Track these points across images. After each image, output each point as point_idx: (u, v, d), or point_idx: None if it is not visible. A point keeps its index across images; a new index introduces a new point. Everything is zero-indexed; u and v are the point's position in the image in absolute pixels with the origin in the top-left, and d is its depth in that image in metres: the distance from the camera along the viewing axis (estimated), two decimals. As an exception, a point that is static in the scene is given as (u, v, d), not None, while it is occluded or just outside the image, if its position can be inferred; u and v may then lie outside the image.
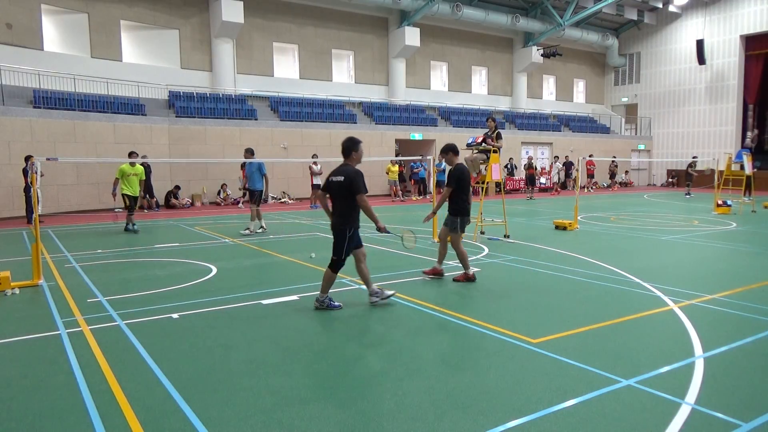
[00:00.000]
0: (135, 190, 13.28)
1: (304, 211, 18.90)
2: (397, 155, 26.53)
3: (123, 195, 13.27)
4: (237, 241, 11.79)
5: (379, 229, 6.38)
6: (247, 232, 12.84)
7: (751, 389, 4.03)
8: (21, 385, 4.24)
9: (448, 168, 7.87)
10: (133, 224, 13.42)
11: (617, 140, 36.52)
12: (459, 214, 7.63)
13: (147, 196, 19.79)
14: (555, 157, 31.43)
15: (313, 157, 20.05)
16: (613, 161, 31.16)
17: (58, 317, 6.05)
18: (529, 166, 26.27)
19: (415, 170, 25.03)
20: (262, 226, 13.10)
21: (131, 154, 13.40)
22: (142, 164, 18.73)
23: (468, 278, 7.64)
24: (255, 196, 12.93)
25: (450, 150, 7.85)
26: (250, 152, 12.80)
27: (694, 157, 28.19)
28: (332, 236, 6.32)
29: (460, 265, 7.75)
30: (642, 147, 37.35)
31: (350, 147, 6.34)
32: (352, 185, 6.12)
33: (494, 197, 22.33)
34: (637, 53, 38.13)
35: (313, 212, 18.47)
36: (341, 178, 6.21)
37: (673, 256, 9.82)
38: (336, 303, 6.35)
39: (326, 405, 3.82)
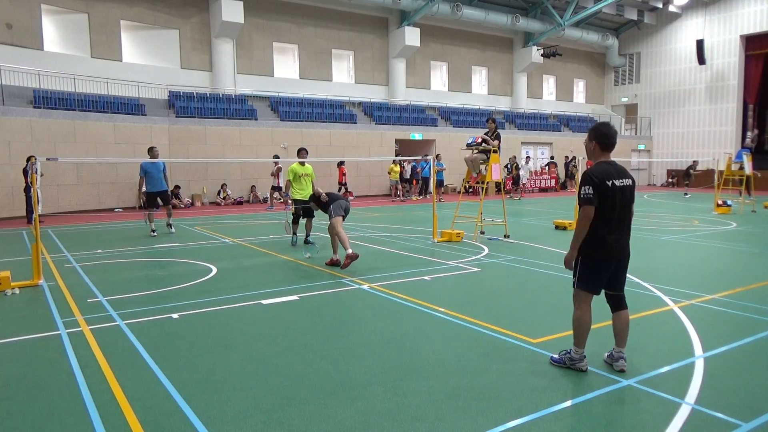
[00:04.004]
0: (307, 193, 10.79)
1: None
2: (397, 155, 26.51)
3: (293, 200, 11.08)
4: (237, 241, 11.79)
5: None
6: (172, 230, 13.00)
7: (751, 389, 4.03)
8: (21, 385, 4.24)
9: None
10: (307, 237, 11.32)
11: (617, 140, 36.45)
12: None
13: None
14: (513, 156, 30.58)
15: (274, 158, 19.53)
16: (572, 159, 28.23)
17: (58, 317, 6.05)
18: (515, 167, 26.16)
19: (418, 170, 25.05)
20: (153, 230, 12.65)
21: (300, 152, 11.15)
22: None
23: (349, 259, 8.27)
24: (167, 197, 12.81)
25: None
26: (155, 151, 12.29)
27: (694, 161, 28.27)
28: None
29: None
30: (642, 147, 37.34)
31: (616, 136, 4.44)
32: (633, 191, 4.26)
33: (494, 197, 22.32)
34: (637, 53, 38.11)
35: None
36: (630, 181, 4.32)
37: (673, 256, 9.82)
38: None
39: (326, 405, 3.82)
